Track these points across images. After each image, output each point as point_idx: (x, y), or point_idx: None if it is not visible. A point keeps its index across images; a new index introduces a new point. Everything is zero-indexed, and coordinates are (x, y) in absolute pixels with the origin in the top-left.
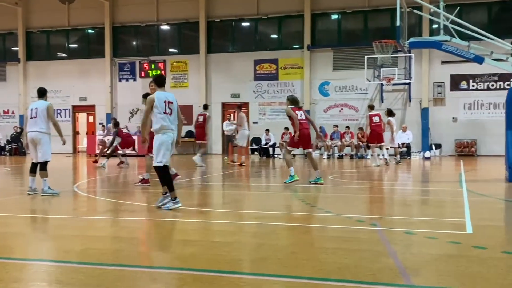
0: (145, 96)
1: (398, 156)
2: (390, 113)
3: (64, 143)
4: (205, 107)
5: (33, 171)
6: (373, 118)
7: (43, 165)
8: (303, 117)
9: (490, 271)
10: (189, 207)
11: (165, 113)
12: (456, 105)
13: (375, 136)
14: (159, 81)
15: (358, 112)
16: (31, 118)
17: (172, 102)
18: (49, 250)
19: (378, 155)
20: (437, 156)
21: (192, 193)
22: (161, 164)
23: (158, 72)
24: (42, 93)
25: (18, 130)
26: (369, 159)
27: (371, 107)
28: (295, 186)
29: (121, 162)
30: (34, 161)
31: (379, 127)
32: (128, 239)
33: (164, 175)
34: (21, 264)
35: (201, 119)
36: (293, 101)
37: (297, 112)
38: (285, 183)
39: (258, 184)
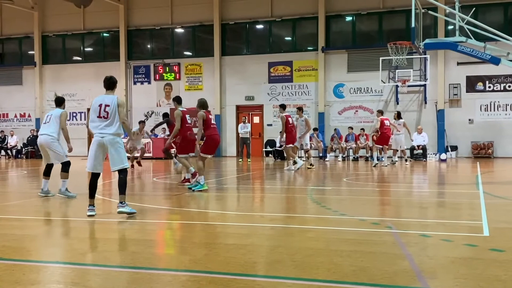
0: (175, 99)
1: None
2: (399, 115)
3: (70, 150)
4: (284, 107)
5: (46, 174)
6: (385, 121)
7: (64, 166)
8: (214, 122)
9: (508, 274)
10: (205, 210)
11: (98, 116)
12: (472, 107)
13: (386, 138)
14: (104, 84)
15: (373, 114)
16: (44, 123)
17: (108, 105)
18: (65, 252)
19: (379, 157)
20: (453, 158)
21: (206, 196)
22: (89, 170)
23: (173, 75)
24: (59, 102)
25: (35, 133)
26: (384, 161)
27: (381, 112)
28: (310, 189)
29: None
30: (47, 163)
31: (390, 130)
32: (143, 241)
33: (90, 182)
34: (38, 266)
35: (291, 120)
36: (204, 104)
37: (210, 116)
38: (193, 190)
39: (273, 186)
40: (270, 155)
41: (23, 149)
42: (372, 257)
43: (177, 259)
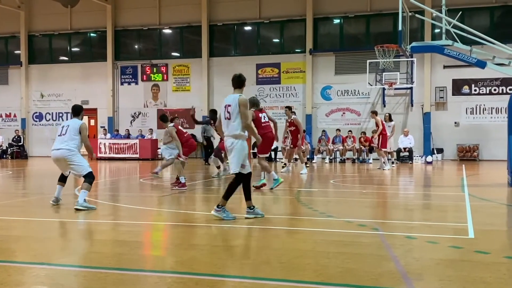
0: (162, 119)
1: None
2: (390, 118)
3: (92, 159)
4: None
5: (62, 180)
6: (384, 123)
7: (87, 178)
8: (266, 119)
9: (493, 276)
10: (192, 211)
11: (225, 118)
12: (458, 110)
13: (387, 140)
14: (232, 82)
15: (360, 116)
16: (59, 135)
17: (230, 105)
18: (51, 253)
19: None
20: (439, 161)
21: (193, 197)
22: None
23: (160, 75)
24: (76, 112)
25: (19, 134)
26: (371, 163)
27: (376, 113)
28: (296, 190)
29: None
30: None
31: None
32: (129, 243)
33: (244, 185)
34: (23, 267)
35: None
36: (254, 103)
37: (260, 115)
38: (271, 188)
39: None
40: None
41: (9, 149)
42: (358, 259)
43: (163, 261)
